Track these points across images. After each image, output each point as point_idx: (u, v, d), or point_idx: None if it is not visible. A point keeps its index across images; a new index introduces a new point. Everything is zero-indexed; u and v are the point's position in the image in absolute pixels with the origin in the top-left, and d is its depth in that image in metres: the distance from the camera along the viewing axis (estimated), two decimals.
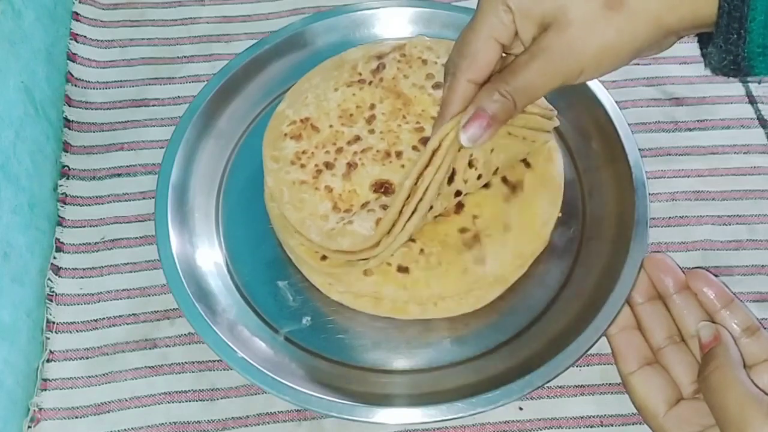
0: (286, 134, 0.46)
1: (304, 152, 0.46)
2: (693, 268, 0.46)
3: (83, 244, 0.51)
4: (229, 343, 0.43)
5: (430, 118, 0.47)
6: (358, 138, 0.46)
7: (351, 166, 0.45)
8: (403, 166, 0.45)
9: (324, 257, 0.45)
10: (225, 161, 0.53)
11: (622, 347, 0.44)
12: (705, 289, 0.44)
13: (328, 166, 0.45)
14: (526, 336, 0.46)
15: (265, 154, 0.46)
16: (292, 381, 0.43)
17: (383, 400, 0.43)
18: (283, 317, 0.47)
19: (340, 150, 0.46)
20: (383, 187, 0.44)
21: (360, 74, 0.49)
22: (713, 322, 0.43)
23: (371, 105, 0.47)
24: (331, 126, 0.47)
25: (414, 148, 0.45)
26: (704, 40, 0.39)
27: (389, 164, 0.45)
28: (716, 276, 0.45)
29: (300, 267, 0.48)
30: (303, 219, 0.43)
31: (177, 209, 0.49)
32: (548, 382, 0.42)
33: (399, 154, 0.45)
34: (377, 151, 0.45)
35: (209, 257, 0.48)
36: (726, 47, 0.37)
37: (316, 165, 0.45)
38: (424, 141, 0.45)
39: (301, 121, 0.47)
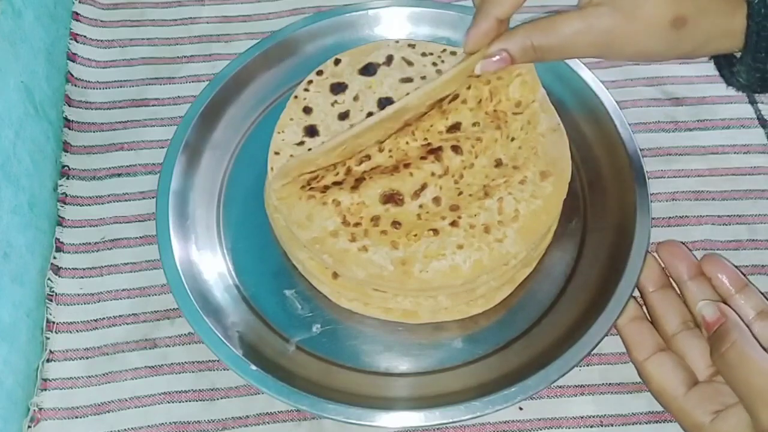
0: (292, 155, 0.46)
1: (315, 178, 0.45)
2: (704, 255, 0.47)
3: (83, 244, 0.51)
4: (233, 349, 0.44)
5: (437, 132, 0.46)
6: (368, 157, 0.45)
7: (358, 180, 0.44)
8: (411, 174, 0.44)
9: (335, 274, 0.45)
10: (222, 172, 0.52)
11: (633, 336, 0.44)
12: (719, 274, 0.45)
13: (336, 183, 0.45)
14: (536, 331, 0.46)
15: (269, 184, 0.46)
16: (304, 387, 0.42)
17: (397, 403, 0.43)
18: (293, 326, 0.46)
19: (349, 171, 0.45)
20: (393, 198, 0.44)
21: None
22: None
23: None
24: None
25: (422, 158, 0.45)
26: (722, 62, 0.43)
27: (397, 174, 0.45)
28: None
29: (307, 277, 0.48)
30: (313, 238, 0.43)
31: (178, 225, 0.48)
32: (563, 375, 0.42)
33: (407, 165, 0.45)
34: (386, 167, 0.45)
35: (213, 269, 0.48)
36: (755, 65, 0.40)
37: (324, 184, 0.45)
38: (432, 151, 0.45)
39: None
